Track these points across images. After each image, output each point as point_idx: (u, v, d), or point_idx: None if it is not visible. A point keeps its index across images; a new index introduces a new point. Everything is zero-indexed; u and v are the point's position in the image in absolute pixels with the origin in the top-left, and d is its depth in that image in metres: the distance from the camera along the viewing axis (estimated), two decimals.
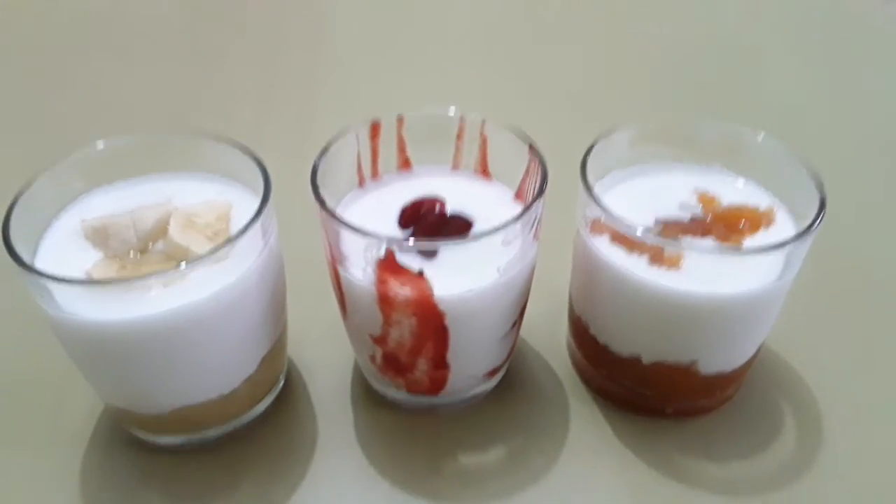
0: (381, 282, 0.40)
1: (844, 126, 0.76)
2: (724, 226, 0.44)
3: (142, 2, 0.98)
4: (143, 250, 0.42)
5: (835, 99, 0.80)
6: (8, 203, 0.41)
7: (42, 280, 0.37)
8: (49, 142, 0.69)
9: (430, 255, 0.41)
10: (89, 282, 0.39)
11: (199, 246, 0.41)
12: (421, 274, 0.40)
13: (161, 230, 0.42)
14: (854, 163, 0.70)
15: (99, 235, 0.42)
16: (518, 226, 0.40)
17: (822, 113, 0.78)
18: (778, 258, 0.41)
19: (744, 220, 0.44)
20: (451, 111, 0.47)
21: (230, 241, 0.39)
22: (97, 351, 0.41)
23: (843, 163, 0.69)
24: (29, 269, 0.37)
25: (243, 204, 0.44)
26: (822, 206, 0.41)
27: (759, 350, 0.47)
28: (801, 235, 0.40)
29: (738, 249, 0.42)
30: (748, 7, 0.99)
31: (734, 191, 0.47)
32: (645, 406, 0.48)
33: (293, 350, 0.52)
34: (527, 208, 0.40)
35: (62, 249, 0.42)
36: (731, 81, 0.83)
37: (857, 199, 0.65)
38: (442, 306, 0.41)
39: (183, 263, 0.38)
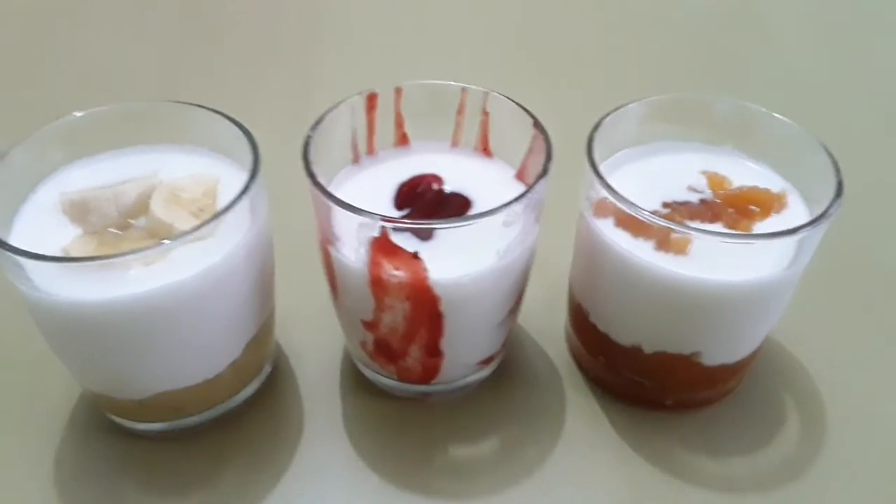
0: (374, 263, 0.39)
1: (863, 109, 0.74)
2: (734, 209, 0.42)
3: None
4: (125, 226, 0.40)
5: (854, 80, 0.78)
6: None
7: (16, 257, 0.35)
8: (28, 111, 0.66)
9: (426, 236, 0.39)
10: (66, 259, 0.37)
11: (184, 222, 0.39)
12: (416, 256, 0.38)
13: (143, 205, 0.40)
14: (872, 147, 0.68)
15: (78, 210, 0.40)
16: (519, 207, 0.38)
17: (840, 94, 0.76)
18: (790, 245, 0.40)
19: (754, 203, 0.42)
20: (453, 83, 0.45)
21: (216, 217, 0.37)
22: (74, 333, 0.39)
23: (861, 147, 0.67)
24: (2, 245, 0.35)
25: (232, 179, 0.42)
26: (839, 190, 0.39)
27: (764, 341, 0.46)
28: (815, 221, 0.38)
29: (748, 235, 0.41)
30: None
31: (746, 173, 0.45)
32: (644, 397, 0.47)
33: (281, 334, 0.51)
34: (529, 189, 0.38)
35: (39, 225, 0.40)
36: (746, 58, 0.82)
37: (873, 185, 0.62)
38: (437, 290, 0.39)
39: (165, 241, 0.36)
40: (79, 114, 0.43)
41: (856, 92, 0.76)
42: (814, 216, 0.39)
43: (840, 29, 0.86)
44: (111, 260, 0.35)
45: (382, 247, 0.38)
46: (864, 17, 0.89)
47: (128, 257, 0.35)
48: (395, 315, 0.41)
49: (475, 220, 0.38)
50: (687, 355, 0.44)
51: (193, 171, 0.43)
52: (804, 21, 0.88)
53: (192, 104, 0.44)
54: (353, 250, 0.39)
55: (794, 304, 0.45)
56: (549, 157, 0.40)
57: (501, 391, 0.49)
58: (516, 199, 0.38)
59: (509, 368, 0.50)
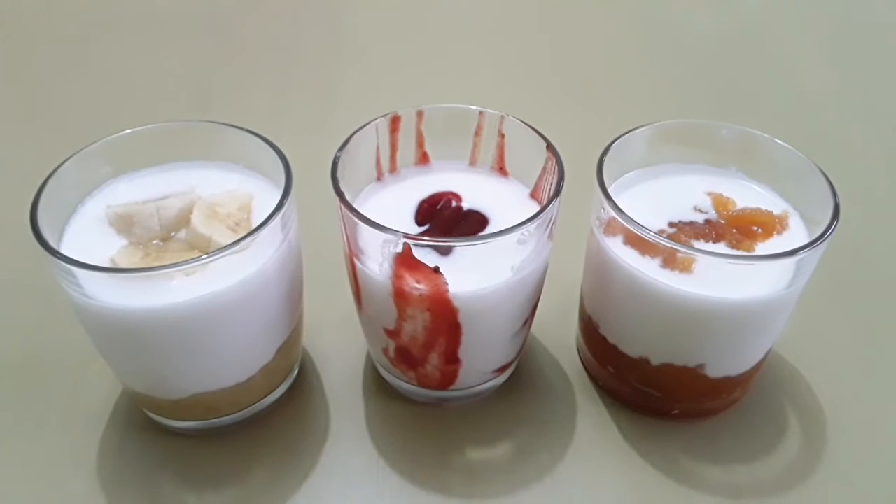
0: (397, 276, 0.41)
1: (862, 133, 0.76)
2: (738, 230, 0.44)
3: None
4: (166, 238, 0.43)
5: (854, 105, 0.80)
6: (36, 188, 0.41)
7: (68, 266, 0.38)
8: (77, 129, 0.69)
9: (445, 251, 0.41)
10: (117, 270, 0.40)
11: (221, 236, 0.42)
12: (437, 270, 0.40)
13: (184, 219, 0.43)
14: (871, 170, 0.70)
15: (123, 222, 0.43)
16: (533, 225, 0.40)
17: (841, 119, 0.78)
18: (789, 265, 0.42)
19: (757, 224, 0.44)
20: (471, 106, 0.48)
21: (252, 233, 0.39)
22: (119, 336, 0.42)
23: (860, 170, 0.69)
24: (56, 254, 0.38)
25: (264, 194, 0.45)
26: (836, 213, 0.41)
27: (767, 354, 0.48)
28: (813, 243, 0.40)
29: (750, 256, 0.43)
30: (771, 10, 0.98)
31: (749, 195, 0.47)
32: (652, 406, 0.49)
33: (308, 339, 0.53)
34: (543, 208, 0.40)
35: (87, 235, 0.43)
36: (750, 85, 0.83)
37: (872, 205, 0.65)
38: (456, 302, 0.42)
39: (205, 256, 0.38)
40: (125, 132, 0.46)
41: (856, 118, 0.78)
42: (813, 237, 0.41)
43: (839, 59, 0.88)
44: (157, 272, 0.38)
45: (405, 261, 0.40)
46: (868, 46, 0.91)
47: (173, 269, 0.38)
48: (416, 325, 0.43)
49: (492, 239, 0.40)
50: (692, 367, 0.45)
51: (229, 187, 0.46)
52: (804, 52, 0.89)
53: (227, 124, 0.46)
54: (377, 264, 0.42)
55: (796, 319, 0.46)
56: (561, 178, 0.43)
57: (515, 398, 0.50)
58: (530, 219, 0.40)
59: (523, 377, 0.52)
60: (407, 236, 0.39)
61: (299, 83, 0.83)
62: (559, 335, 0.54)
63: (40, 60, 0.87)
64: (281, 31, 0.92)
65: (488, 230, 0.44)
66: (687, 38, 0.91)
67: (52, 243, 0.40)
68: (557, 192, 0.42)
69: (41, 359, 0.52)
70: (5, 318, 0.55)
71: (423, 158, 0.50)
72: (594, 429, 0.49)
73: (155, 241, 0.43)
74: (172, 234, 0.43)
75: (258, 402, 0.48)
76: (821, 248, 0.41)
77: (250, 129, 0.46)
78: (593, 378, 0.52)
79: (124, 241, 0.43)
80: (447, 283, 0.41)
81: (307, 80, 0.83)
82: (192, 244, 0.42)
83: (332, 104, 0.79)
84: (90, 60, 0.86)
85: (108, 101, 0.79)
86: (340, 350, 0.53)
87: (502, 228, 0.40)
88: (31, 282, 0.54)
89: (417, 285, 0.41)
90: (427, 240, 0.41)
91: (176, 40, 0.90)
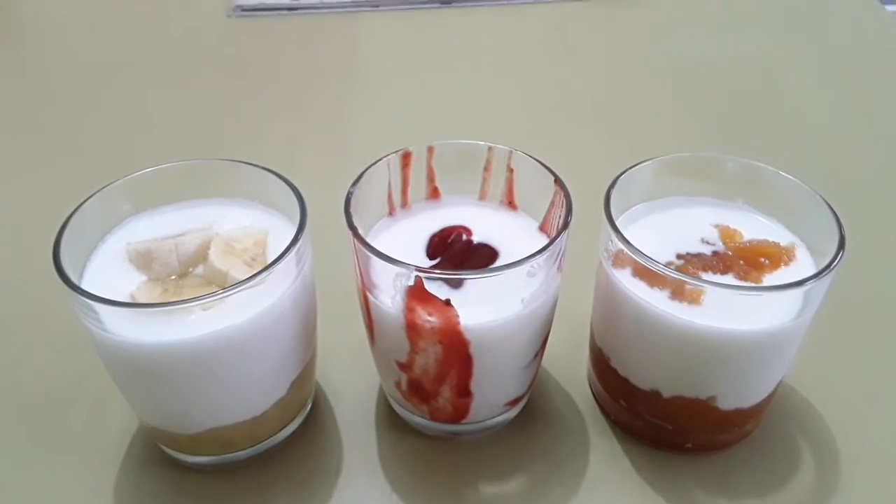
0: (409, 309, 0.42)
1: (868, 164, 0.76)
2: (745, 261, 0.44)
3: (185, 34, 1.02)
4: (184, 274, 0.44)
5: (860, 136, 0.81)
6: (59, 225, 0.43)
7: (90, 302, 0.39)
8: (98, 168, 0.71)
9: (456, 284, 0.42)
10: (133, 305, 0.41)
11: (238, 270, 0.42)
12: (448, 303, 0.41)
13: (202, 255, 0.44)
14: (877, 201, 0.71)
15: (143, 259, 0.44)
16: (542, 258, 0.41)
17: (847, 150, 0.78)
18: (797, 296, 0.42)
19: (764, 256, 0.44)
20: (480, 142, 0.49)
21: (269, 267, 0.40)
22: (137, 370, 0.42)
23: (867, 201, 0.70)
24: (78, 290, 0.39)
25: (278, 230, 0.46)
26: (842, 244, 0.42)
27: (778, 386, 0.48)
28: (820, 274, 0.41)
29: (758, 287, 0.43)
30: (775, 41, 1.00)
31: (756, 227, 0.48)
32: (664, 440, 0.49)
33: (321, 374, 0.53)
34: (552, 241, 0.41)
35: (108, 271, 0.44)
36: (755, 116, 0.84)
37: (879, 236, 0.65)
38: (467, 335, 0.42)
39: (221, 290, 0.39)
40: (145, 170, 0.47)
41: (861, 150, 0.79)
42: (820, 268, 0.41)
43: (843, 90, 0.89)
44: (176, 307, 0.39)
45: (417, 294, 0.41)
46: (872, 77, 0.92)
47: (191, 304, 0.39)
48: (428, 357, 0.44)
49: (501, 271, 0.40)
50: (703, 399, 0.45)
51: (245, 223, 0.47)
52: (809, 83, 0.91)
53: (244, 162, 0.48)
54: (389, 297, 0.42)
55: (807, 350, 0.47)
56: (569, 211, 0.43)
57: (528, 432, 0.50)
58: (539, 251, 0.41)
59: (535, 410, 0.52)
60: (419, 269, 0.40)
61: (313, 121, 0.85)
62: (570, 368, 0.55)
63: (63, 101, 0.89)
64: (294, 69, 0.95)
65: (498, 263, 0.45)
66: (692, 71, 0.93)
67: (74, 279, 0.40)
68: (566, 225, 0.42)
69: (60, 393, 0.53)
70: (26, 352, 0.56)
71: (434, 193, 0.51)
72: (607, 463, 0.49)
73: (173, 277, 0.44)
74: (190, 269, 0.44)
75: (273, 436, 0.48)
76: (828, 279, 0.41)
77: (265, 166, 0.47)
78: (605, 411, 0.52)
79: (143, 278, 0.44)
80: (458, 316, 0.41)
81: (321, 118, 0.85)
82: (210, 279, 0.43)
83: (344, 141, 0.80)
84: (110, 100, 0.88)
85: (128, 140, 0.81)
86: (353, 384, 0.54)
87: (512, 261, 0.40)
88: (52, 317, 0.55)
89: (429, 318, 0.42)
90: (439, 273, 0.42)
91: (191, 78, 0.93)
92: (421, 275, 0.40)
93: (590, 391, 0.53)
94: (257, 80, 0.93)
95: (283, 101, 0.88)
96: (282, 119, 0.85)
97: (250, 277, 0.40)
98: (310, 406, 0.52)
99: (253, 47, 1.00)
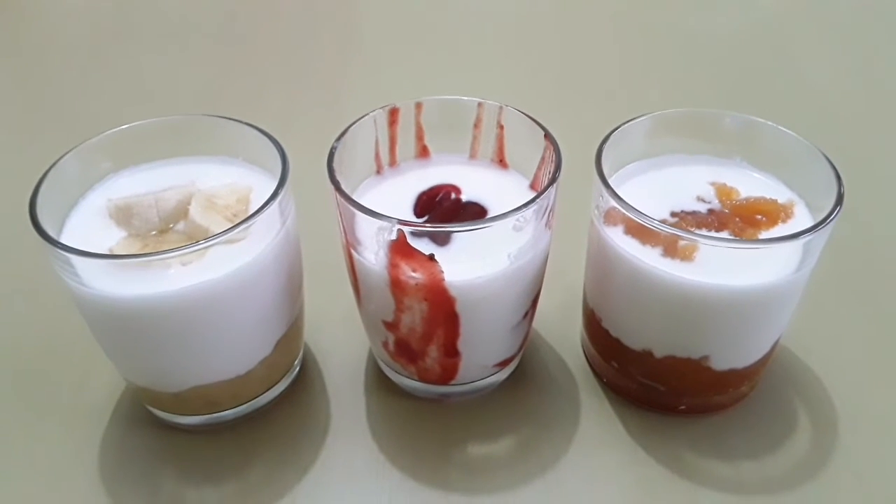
0: (392, 265, 0.41)
1: (868, 120, 0.74)
2: (741, 219, 0.43)
3: None
4: (165, 230, 0.43)
5: (858, 91, 0.79)
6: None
7: (66, 255, 0.38)
8: (79, 123, 0.71)
9: (442, 240, 0.41)
10: (111, 256, 0.40)
11: (219, 226, 0.42)
12: (432, 258, 0.40)
13: (182, 211, 0.43)
14: (878, 158, 0.69)
15: (123, 214, 0.43)
16: (529, 212, 0.40)
17: (845, 105, 0.77)
18: (792, 251, 0.41)
19: (761, 213, 0.43)
20: (469, 98, 0.48)
21: (247, 220, 0.39)
22: (117, 325, 0.42)
23: (867, 157, 0.68)
24: (53, 242, 0.39)
25: (263, 187, 0.45)
26: (840, 200, 0.40)
27: (774, 347, 0.47)
28: (816, 227, 0.39)
29: (751, 241, 0.42)
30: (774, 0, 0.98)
31: (753, 184, 0.46)
32: (657, 402, 0.48)
33: (310, 336, 0.53)
34: (539, 194, 0.40)
35: (87, 227, 0.43)
36: (752, 72, 0.83)
37: (878, 194, 0.64)
38: (453, 291, 0.41)
39: (201, 242, 0.39)
40: (124, 126, 0.46)
41: (861, 105, 0.77)
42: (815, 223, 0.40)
43: (842, 45, 0.87)
44: (151, 258, 0.39)
45: (400, 249, 0.40)
46: (870, 31, 0.90)
47: (167, 256, 0.38)
48: (414, 315, 0.43)
49: (487, 224, 0.39)
50: (696, 360, 0.45)
51: (228, 180, 0.46)
52: (807, 38, 0.89)
53: (226, 118, 0.47)
54: (373, 253, 0.42)
55: (804, 312, 0.46)
56: (558, 166, 0.42)
57: (518, 394, 0.50)
58: (525, 205, 0.39)
59: (526, 372, 0.51)
60: (401, 222, 0.39)
61: (303, 79, 0.84)
62: (564, 333, 0.54)
63: (46, 57, 0.88)
64: (282, 27, 0.94)
65: None
66: (687, 27, 0.91)
67: (52, 234, 0.40)
68: (554, 180, 0.41)
69: (45, 355, 0.53)
70: (9, 315, 0.56)
71: (423, 152, 0.50)
72: (598, 424, 0.48)
73: (154, 233, 0.43)
74: (171, 225, 0.44)
75: (258, 396, 0.48)
76: (825, 233, 0.40)
77: (250, 123, 0.46)
78: (597, 374, 0.51)
79: (123, 233, 0.43)
80: (443, 272, 0.40)
81: (310, 77, 0.84)
82: (191, 235, 0.43)
83: (334, 100, 0.79)
84: (100, 60, 0.88)
85: (117, 98, 0.80)
86: (342, 347, 0.53)
87: (497, 214, 0.39)
88: (34, 279, 0.54)
89: (413, 274, 0.41)
90: (420, 225, 0.41)
91: (178, 37, 0.92)
92: (403, 228, 0.39)
93: (582, 354, 0.52)
94: (245, 38, 0.92)
95: (274, 59, 0.87)
96: (271, 77, 0.84)
97: (228, 230, 0.39)
98: (298, 368, 0.51)
99: (242, 4, 0.98)
